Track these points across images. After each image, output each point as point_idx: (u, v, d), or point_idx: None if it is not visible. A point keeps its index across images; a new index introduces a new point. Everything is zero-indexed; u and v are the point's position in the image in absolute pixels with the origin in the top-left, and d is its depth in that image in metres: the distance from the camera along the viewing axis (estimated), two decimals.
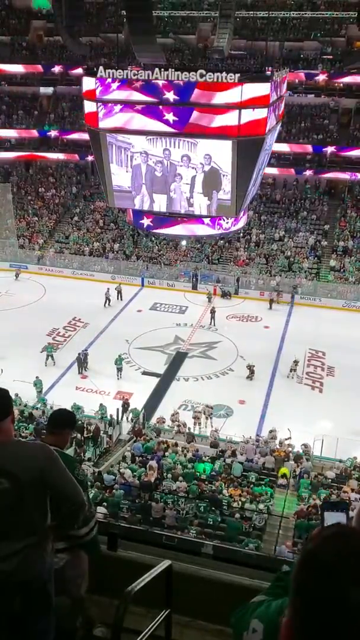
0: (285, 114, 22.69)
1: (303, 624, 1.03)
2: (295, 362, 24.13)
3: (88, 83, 16.17)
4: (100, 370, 24.12)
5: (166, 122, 15.44)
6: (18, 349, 24.86)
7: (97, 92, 15.80)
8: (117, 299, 31.33)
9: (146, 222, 18.00)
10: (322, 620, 1.00)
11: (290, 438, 18.96)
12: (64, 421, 3.54)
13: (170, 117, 15.34)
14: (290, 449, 18.68)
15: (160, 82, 15.08)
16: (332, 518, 1.68)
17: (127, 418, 20.82)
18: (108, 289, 31.13)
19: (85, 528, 3.14)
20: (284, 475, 17.39)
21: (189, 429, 20.03)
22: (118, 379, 23.45)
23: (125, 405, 21.02)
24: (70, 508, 2.77)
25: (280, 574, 1.94)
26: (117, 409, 20.75)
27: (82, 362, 24.32)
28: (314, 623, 1.01)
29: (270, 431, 19.63)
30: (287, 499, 16.70)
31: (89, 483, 3.49)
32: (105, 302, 30.74)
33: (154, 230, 19.13)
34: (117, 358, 23.81)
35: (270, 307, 30.72)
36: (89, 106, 16.47)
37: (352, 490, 16.50)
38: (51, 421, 3.57)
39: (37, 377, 22.40)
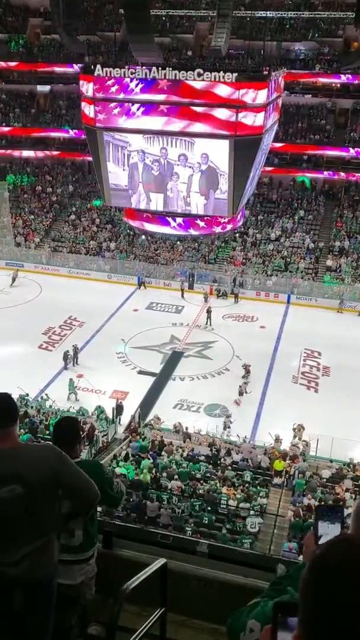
0: (282, 114, 22.67)
1: (314, 628, 1.03)
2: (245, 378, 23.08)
3: (85, 81, 16.13)
4: (96, 369, 24.08)
5: (163, 122, 15.41)
6: (14, 348, 24.81)
7: (95, 90, 15.77)
8: (182, 296, 31.75)
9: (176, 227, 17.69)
10: (333, 622, 1.00)
11: (280, 441, 19.10)
12: (72, 439, 3.50)
13: (167, 116, 15.32)
14: (293, 448, 18.76)
15: (158, 81, 15.04)
16: (325, 522, 1.68)
17: (119, 420, 20.77)
18: (182, 282, 32.17)
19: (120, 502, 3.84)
20: (278, 472, 17.46)
21: (186, 428, 20.04)
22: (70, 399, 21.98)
23: (119, 408, 20.92)
24: (87, 500, 2.84)
25: (276, 579, 1.95)
26: (112, 408, 20.75)
27: (68, 357, 24.34)
28: (325, 626, 1.01)
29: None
30: (282, 498, 16.74)
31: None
32: (182, 295, 31.62)
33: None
34: (70, 383, 22.27)
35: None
36: (86, 105, 16.44)
37: (347, 490, 16.54)
38: (59, 440, 3.47)
39: (70, 379, 22.46)
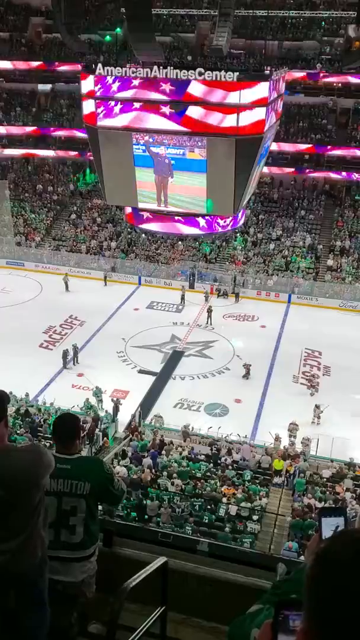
0: (283, 114, 22.63)
1: (320, 622, 1.03)
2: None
3: (86, 80, 16.11)
4: (96, 368, 24.08)
5: (164, 121, 15.40)
6: (14, 347, 24.81)
7: (96, 89, 15.75)
8: (181, 301, 31.19)
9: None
10: (339, 615, 1.00)
11: (280, 440, 19.09)
12: (71, 435, 3.49)
13: (168, 115, 15.30)
14: (290, 448, 18.74)
15: (159, 81, 15.03)
16: (329, 524, 1.67)
17: (117, 420, 20.75)
18: (183, 287, 31.69)
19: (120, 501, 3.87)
20: (278, 472, 17.45)
21: (188, 427, 20.02)
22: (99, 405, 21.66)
23: (117, 407, 20.87)
24: None
25: (277, 582, 1.93)
26: (113, 407, 20.75)
27: (67, 355, 24.35)
28: (332, 619, 1.01)
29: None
30: (282, 498, 16.73)
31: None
32: (182, 300, 31.09)
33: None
34: (95, 390, 21.91)
35: None
36: (87, 104, 16.41)
37: (347, 490, 16.54)
38: (59, 436, 3.50)
39: (97, 387, 21.87)
